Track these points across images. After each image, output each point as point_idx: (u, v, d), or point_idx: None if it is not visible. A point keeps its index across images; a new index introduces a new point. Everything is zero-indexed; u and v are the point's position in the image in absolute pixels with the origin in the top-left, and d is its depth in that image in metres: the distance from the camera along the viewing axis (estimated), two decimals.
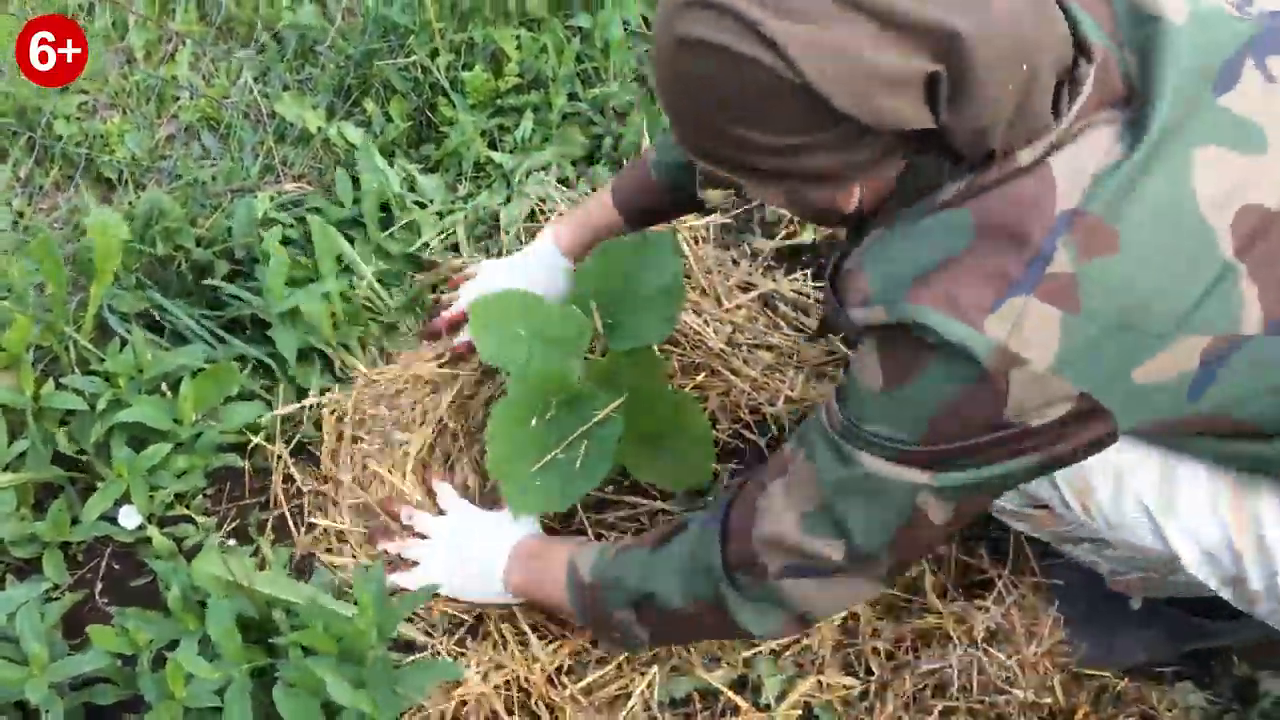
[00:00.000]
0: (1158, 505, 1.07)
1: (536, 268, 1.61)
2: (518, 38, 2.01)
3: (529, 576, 1.35)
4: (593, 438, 1.40)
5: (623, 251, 1.53)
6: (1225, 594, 1.09)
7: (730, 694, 1.35)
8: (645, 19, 2.08)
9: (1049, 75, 0.89)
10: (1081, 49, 0.92)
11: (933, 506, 1.01)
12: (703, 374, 1.64)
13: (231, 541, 1.50)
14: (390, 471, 1.56)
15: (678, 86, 0.93)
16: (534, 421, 1.42)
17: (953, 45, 0.83)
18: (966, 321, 0.88)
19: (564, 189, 1.89)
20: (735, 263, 1.82)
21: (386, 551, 1.45)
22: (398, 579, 1.40)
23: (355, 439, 1.61)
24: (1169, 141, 0.89)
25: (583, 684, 1.36)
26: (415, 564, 1.42)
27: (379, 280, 1.74)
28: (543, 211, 1.86)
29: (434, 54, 1.98)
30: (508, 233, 1.82)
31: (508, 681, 1.36)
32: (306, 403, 1.62)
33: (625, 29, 2.00)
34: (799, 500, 1.07)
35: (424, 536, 1.45)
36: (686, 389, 1.60)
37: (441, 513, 1.48)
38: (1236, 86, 0.92)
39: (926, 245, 0.93)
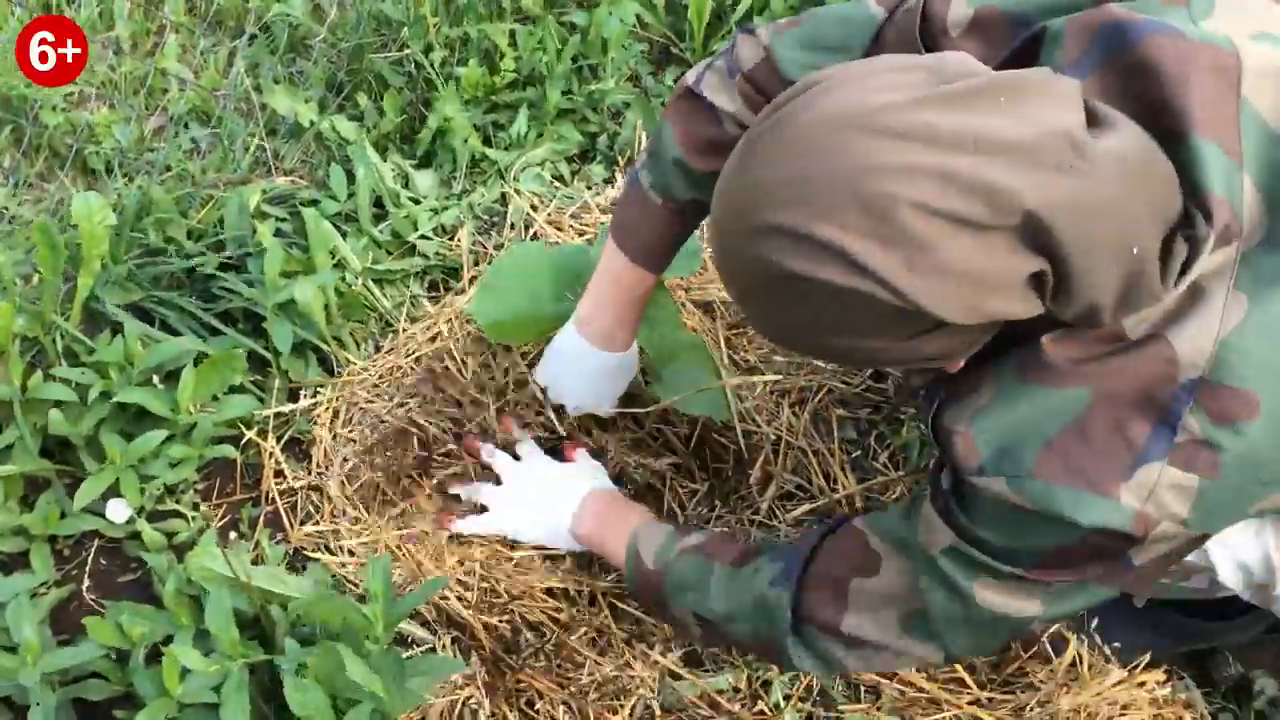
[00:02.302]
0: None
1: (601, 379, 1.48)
2: (512, 33, 2.00)
3: (595, 530, 1.38)
4: None
5: None
6: (1246, 595, 1.11)
7: (731, 700, 1.34)
8: (640, 19, 2.08)
9: (1157, 246, 0.84)
10: (1199, 203, 0.85)
11: (1038, 626, 1.02)
12: None
13: (232, 535, 1.48)
14: (383, 467, 1.54)
15: (765, 305, 0.90)
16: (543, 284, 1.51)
17: (1050, 239, 0.80)
18: (1100, 493, 0.87)
19: (560, 185, 1.89)
20: None
21: (458, 497, 1.50)
22: (465, 524, 1.45)
23: (349, 436, 1.59)
24: None
25: (580, 684, 1.35)
26: (482, 509, 1.47)
27: (372, 275, 1.73)
28: (536, 210, 1.85)
29: (428, 49, 1.97)
30: (513, 226, 1.81)
31: (506, 680, 1.34)
32: (300, 404, 1.60)
33: (621, 26, 1.99)
34: (894, 606, 1.06)
35: (495, 482, 1.48)
36: None
37: (517, 458, 1.49)
38: None
39: (1042, 416, 0.90)
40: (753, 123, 0.90)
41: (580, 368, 1.44)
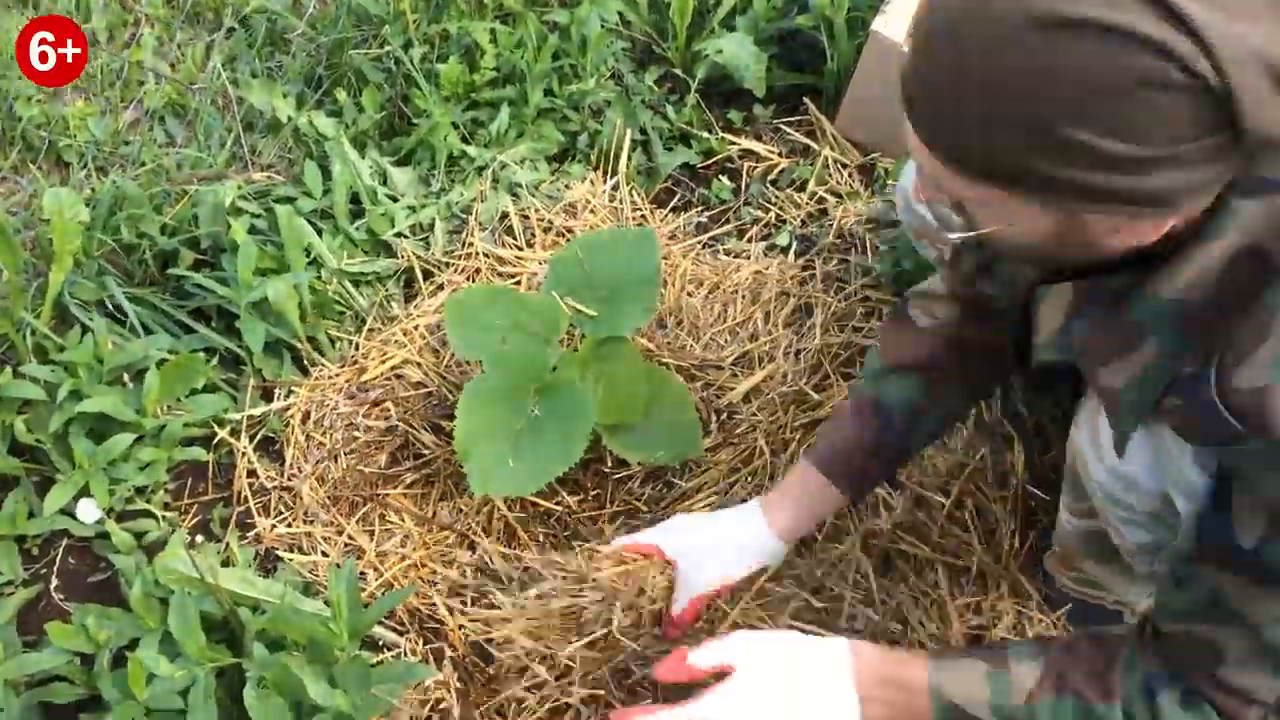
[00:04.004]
0: None
1: (737, 528, 1.27)
2: (492, 31, 1.99)
3: (889, 710, 1.05)
4: (566, 423, 1.39)
5: (602, 244, 1.52)
6: None
7: None
8: (621, 15, 2.06)
9: None
10: None
11: None
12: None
13: (199, 538, 1.47)
14: (354, 467, 1.53)
15: (1012, 75, 0.73)
16: (507, 405, 1.40)
17: None
18: None
19: (536, 187, 1.87)
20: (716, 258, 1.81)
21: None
22: None
23: (320, 437, 1.58)
24: None
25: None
26: None
27: (347, 273, 1.71)
28: (517, 208, 1.84)
29: (408, 45, 1.95)
30: (484, 228, 1.80)
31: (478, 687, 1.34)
32: (273, 405, 1.59)
33: (603, 25, 1.98)
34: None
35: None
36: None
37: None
38: None
39: None
40: None
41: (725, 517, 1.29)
